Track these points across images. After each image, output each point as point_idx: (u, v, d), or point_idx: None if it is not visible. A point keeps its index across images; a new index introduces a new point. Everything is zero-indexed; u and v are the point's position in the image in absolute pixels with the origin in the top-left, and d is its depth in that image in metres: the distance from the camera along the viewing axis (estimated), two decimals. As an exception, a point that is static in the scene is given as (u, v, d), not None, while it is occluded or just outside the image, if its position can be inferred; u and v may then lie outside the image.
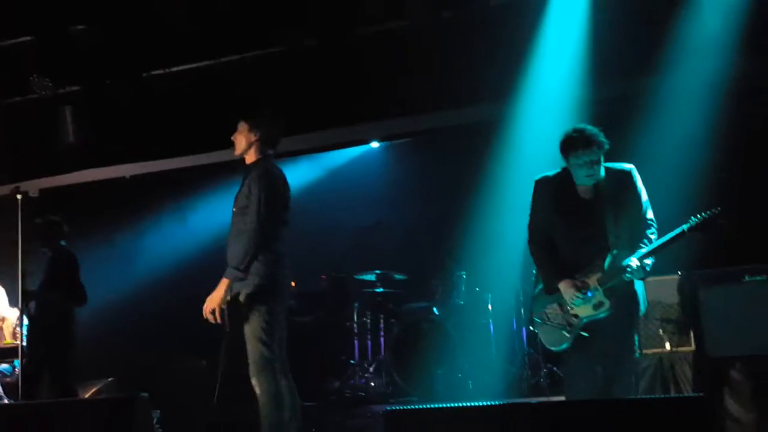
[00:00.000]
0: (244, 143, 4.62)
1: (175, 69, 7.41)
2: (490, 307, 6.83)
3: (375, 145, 8.43)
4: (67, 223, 7.05)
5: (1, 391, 6.90)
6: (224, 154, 7.64)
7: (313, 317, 7.90)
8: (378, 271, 7.44)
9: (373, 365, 7.21)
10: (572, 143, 4.07)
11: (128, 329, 8.40)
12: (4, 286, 7.34)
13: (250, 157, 4.64)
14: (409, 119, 7.37)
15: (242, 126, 4.62)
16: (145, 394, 3.83)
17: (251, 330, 4.45)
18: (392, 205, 8.19)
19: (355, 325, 7.55)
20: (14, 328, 7.09)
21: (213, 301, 4.41)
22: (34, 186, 7.59)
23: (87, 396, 6.96)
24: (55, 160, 7.84)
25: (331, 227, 8.17)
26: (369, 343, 7.48)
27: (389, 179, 8.44)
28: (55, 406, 4.36)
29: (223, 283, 4.41)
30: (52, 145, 7.63)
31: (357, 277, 7.61)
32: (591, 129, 4.08)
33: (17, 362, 6.77)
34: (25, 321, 6.47)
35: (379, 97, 6.98)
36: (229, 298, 4.44)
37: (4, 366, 6.96)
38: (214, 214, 8.72)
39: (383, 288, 7.48)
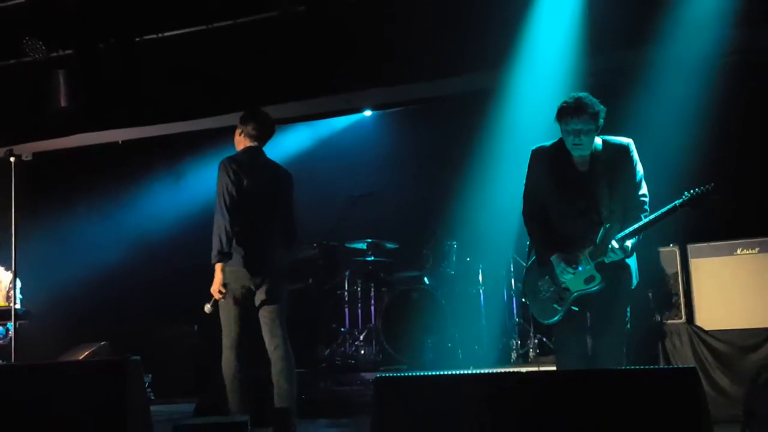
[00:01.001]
0: (236, 139, 5.04)
1: (168, 34, 7.35)
2: (480, 277, 6.87)
3: (368, 113, 8.40)
4: (60, 186, 7.06)
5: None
6: (216, 120, 7.65)
7: (303, 285, 7.93)
8: (369, 240, 7.46)
9: (364, 333, 7.26)
10: (564, 109, 4.03)
11: (121, 293, 8.43)
12: (1, 249, 7.34)
13: (238, 148, 5.01)
14: (402, 88, 7.34)
15: (238, 124, 5.03)
16: (137, 357, 3.86)
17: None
18: (385, 174, 8.18)
19: (345, 293, 7.59)
20: (8, 291, 7.11)
21: (213, 290, 4.79)
22: (27, 149, 7.55)
23: (80, 359, 7.00)
24: (48, 124, 7.79)
25: (323, 196, 8.16)
26: (359, 311, 7.53)
27: (382, 148, 8.43)
28: (48, 367, 4.40)
29: (216, 268, 4.74)
30: (45, 108, 7.58)
31: (348, 245, 7.63)
32: (587, 98, 4.04)
33: (10, 325, 6.81)
34: (19, 284, 6.48)
35: (372, 65, 6.95)
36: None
37: (-3, 328, 7.00)
38: (207, 180, 8.71)
39: (374, 257, 7.51)
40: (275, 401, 4.78)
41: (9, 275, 7.02)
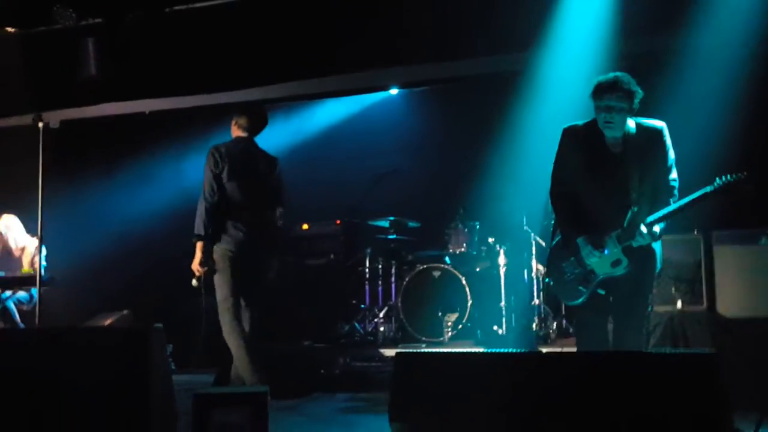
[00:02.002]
0: (232, 128, 5.52)
1: (198, 5, 7.35)
2: (502, 258, 6.85)
3: (394, 92, 8.37)
4: (87, 154, 7.10)
5: (18, 318, 7.04)
6: (243, 93, 7.65)
7: (325, 260, 7.97)
8: (392, 218, 7.46)
9: (384, 310, 7.29)
10: (599, 85, 4.01)
11: (144, 263, 8.50)
12: (23, 215, 7.42)
13: (232, 136, 5.48)
14: (429, 66, 7.30)
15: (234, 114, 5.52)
16: (161, 325, 3.89)
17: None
18: (409, 153, 8.17)
19: (366, 270, 7.61)
20: (32, 257, 7.21)
21: (194, 267, 5.17)
22: (55, 117, 7.60)
23: (104, 326, 7.09)
24: (77, 92, 7.83)
25: (348, 173, 8.18)
26: (380, 288, 7.55)
27: (408, 127, 8.41)
28: (73, 333, 4.46)
29: (197, 246, 5.16)
30: (73, 76, 7.62)
31: (371, 223, 7.65)
32: (625, 76, 4.00)
33: (35, 291, 6.90)
34: (44, 251, 6.55)
35: (400, 43, 6.90)
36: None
37: (22, 294, 7.09)
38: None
39: (396, 235, 7.52)
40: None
41: (35, 242, 7.11)
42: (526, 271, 6.81)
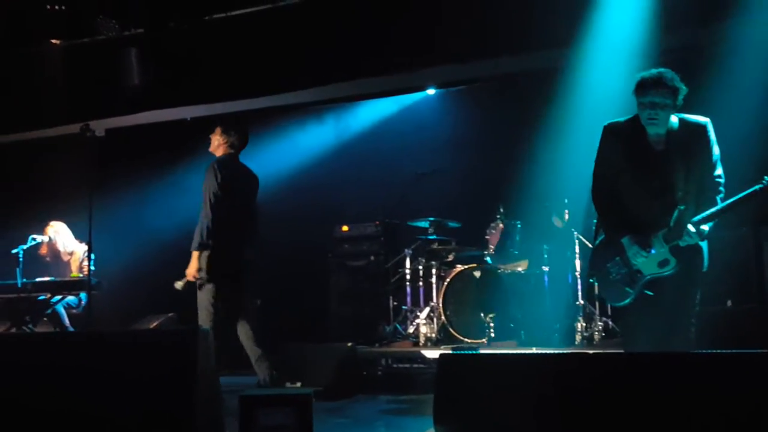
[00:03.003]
0: (215, 144, 5.73)
1: (235, 13, 7.44)
2: (545, 257, 6.79)
3: (431, 92, 8.35)
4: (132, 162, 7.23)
5: (68, 321, 7.20)
6: (282, 98, 7.73)
7: (365, 262, 7.99)
8: (432, 219, 7.45)
9: (425, 311, 7.28)
10: (643, 81, 3.93)
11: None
12: (71, 222, 7.59)
13: (219, 154, 5.70)
14: (466, 66, 7.28)
15: (217, 130, 5.73)
16: (207, 328, 3.94)
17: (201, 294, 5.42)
18: (448, 152, 8.14)
19: (407, 271, 7.61)
20: (81, 262, 7.37)
21: (190, 273, 5.38)
22: (100, 126, 7.75)
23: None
24: (120, 102, 7.99)
25: (387, 174, 8.18)
26: (421, 289, 7.54)
27: (445, 126, 8.38)
28: (122, 335, 4.55)
29: (194, 255, 5.38)
30: (117, 86, 7.77)
31: (410, 223, 7.64)
32: (668, 72, 3.92)
33: (83, 295, 7.05)
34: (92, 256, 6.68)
35: (436, 43, 6.90)
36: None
37: (71, 298, 7.25)
38: (274, 157, 8.82)
39: (436, 235, 7.50)
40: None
41: (83, 247, 7.27)
42: (569, 271, 6.74)
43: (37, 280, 6.96)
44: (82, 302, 7.23)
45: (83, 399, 3.65)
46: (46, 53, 8.26)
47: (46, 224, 7.56)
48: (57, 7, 7.46)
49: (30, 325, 6.88)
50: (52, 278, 7.20)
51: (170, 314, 7.62)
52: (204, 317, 5.41)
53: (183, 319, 7.59)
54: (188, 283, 5.45)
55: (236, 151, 5.71)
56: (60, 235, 7.58)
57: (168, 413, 3.60)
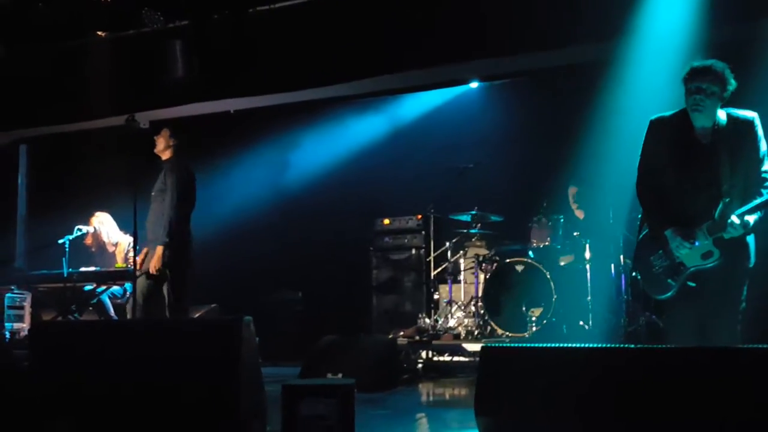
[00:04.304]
0: (163, 145, 6.01)
1: (280, 5, 7.47)
2: (587, 252, 6.72)
3: (474, 85, 8.30)
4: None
5: (112, 311, 7.32)
6: (325, 90, 7.74)
7: (407, 255, 8.00)
8: (474, 212, 7.41)
9: (466, 305, 7.25)
10: (692, 68, 3.93)
11: (230, 259, 8.69)
12: (117, 212, 7.70)
13: (166, 155, 6.00)
14: (509, 59, 7.22)
15: (164, 132, 6.03)
16: (250, 318, 3.97)
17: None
18: (491, 146, 8.10)
19: (449, 265, 7.60)
20: (126, 253, 7.48)
21: (156, 267, 5.75)
22: (144, 118, 7.86)
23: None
24: (165, 93, 8.08)
25: (429, 167, 8.17)
26: (463, 282, 7.52)
27: (488, 121, 8.33)
28: (168, 324, 4.62)
29: (160, 250, 5.74)
30: (161, 78, 7.86)
31: (453, 217, 7.61)
32: (718, 62, 3.92)
33: (128, 285, 7.16)
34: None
35: (481, 35, 6.85)
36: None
37: (116, 288, 7.36)
38: (315, 151, 8.87)
39: (479, 229, 7.47)
40: None
41: (127, 238, 7.38)
42: (612, 265, 6.66)
43: (82, 269, 7.09)
44: (127, 292, 7.34)
45: (130, 388, 3.71)
46: (93, 46, 8.40)
47: (92, 215, 7.68)
48: (103, 0, 7.56)
49: (76, 314, 7.00)
50: (98, 268, 7.32)
51: (212, 305, 7.71)
52: (162, 308, 5.72)
53: (224, 310, 7.69)
54: (148, 274, 5.82)
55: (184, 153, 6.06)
56: (105, 226, 7.70)
57: (212, 402, 3.64)
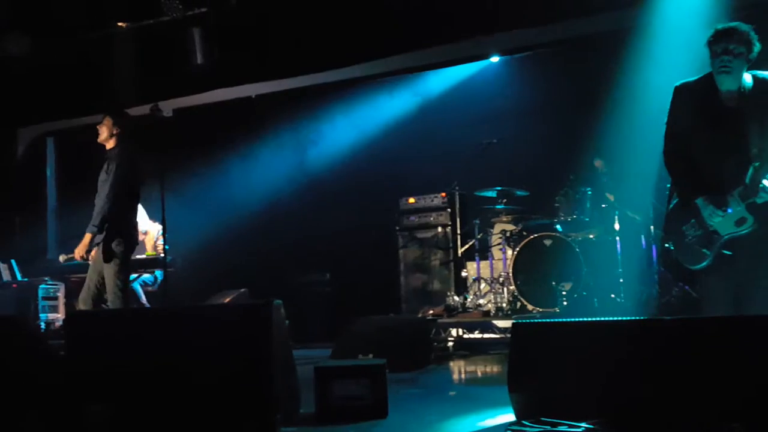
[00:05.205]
0: (106, 134, 5.85)
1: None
2: (617, 224, 6.65)
3: (495, 59, 8.21)
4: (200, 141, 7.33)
5: (144, 299, 7.40)
6: (347, 71, 7.72)
7: (433, 233, 7.98)
8: (499, 188, 7.36)
9: (495, 281, 7.23)
10: (717, 31, 3.86)
11: (257, 244, 8.75)
12: (146, 201, 7.75)
13: (110, 144, 5.85)
14: (530, 31, 7.13)
15: (107, 120, 5.86)
16: (280, 301, 3.99)
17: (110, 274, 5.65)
18: (514, 121, 8.02)
19: (476, 242, 7.57)
20: (155, 241, 7.54)
21: (78, 254, 5.71)
22: (167, 106, 7.89)
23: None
24: (186, 81, 8.11)
25: (452, 144, 8.12)
26: (491, 259, 7.49)
27: (511, 95, 8.24)
28: (199, 310, 4.65)
29: (86, 238, 5.66)
30: (182, 66, 7.88)
31: (478, 193, 7.57)
32: (743, 24, 3.86)
33: (158, 272, 7.23)
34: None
35: (498, 8, 6.77)
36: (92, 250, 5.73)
37: (147, 276, 7.44)
38: (337, 131, 8.86)
39: (504, 204, 7.42)
40: None
41: (156, 227, 7.44)
42: (643, 237, 6.59)
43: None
44: (158, 280, 7.42)
45: (164, 373, 3.75)
46: (115, 37, 8.44)
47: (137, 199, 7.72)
48: (122, -10, 7.60)
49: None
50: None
51: (242, 290, 7.76)
52: (119, 296, 5.65)
53: (254, 294, 7.74)
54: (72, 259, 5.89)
55: (130, 138, 5.92)
56: (134, 214, 7.75)
57: (245, 384, 3.67)
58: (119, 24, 8.31)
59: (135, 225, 5.91)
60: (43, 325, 7.28)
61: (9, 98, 8.67)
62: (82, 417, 3.73)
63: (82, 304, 5.65)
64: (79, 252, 5.74)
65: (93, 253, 5.75)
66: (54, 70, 8.55)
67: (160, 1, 7.57)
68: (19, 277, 7.47)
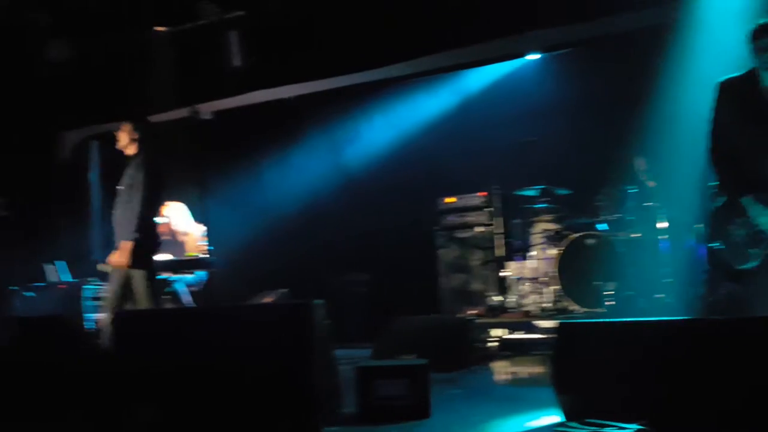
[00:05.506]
0: (126, 140, 5.81)
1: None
2: (661, 223, 6.53)
3: (534, 57, 8.13)
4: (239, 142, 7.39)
5: (187, 299, 7.46)
6: (383, 71, 7.71)
7: (473, 233, 7.93)
8: (540, 186, 7.28)
9: (536, 281, 7.15)
10: (759, 26, 3.82)
11: (298, 244, 8.77)
12: (188, 203, 7.84)
13: (131, 150, 5.80)
14: (569, 28, 7.05)
15: (126, 126, 5.82)
16: (321, 301, 4.00)
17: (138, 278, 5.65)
18: (554, 118, 7.92)
19: (517, 242, 7.50)
20: (197, 242, 7.61)
21: (121, 262, 5.57)
22: (207, 109, 7.97)
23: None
24: (224, 84, 8.18)
25: (491, 143, 8.05)
26: (531, 259, 7.40)
27: (550, 92, 8.14)
28: (242, 310, 4.69)
29: (128, 246, 5.55)
30: (220, 68, 7.96)
31: (518, 192, 7.50)
32: None
33: (200, 273, 7.30)
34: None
35: (536, 5, 6.71)
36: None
37: (189, 276, 7.49)
38: (376, 131, 8.86)
39: (546, 203, 7.34)
40: None
41: (198, 227, 7.50)
42: (689, 235, 6.46)
43: (155, 259, 7.24)
44: (200, 280, 7.47)
45: (211, 368, 3.78)
46: (153, 41, 8.55)
47: (163, 204, 7.83)
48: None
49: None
50: (172, 258, 7.47)
51: (283, 290, 7.80)
52: (143, 298, 5.64)
53: (295, 294, 7.77)
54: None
55: (151, 144, 5.90)
56: (176, 216, 7.84)
57: (289, 383, 3.69)
58: (158, 28, 8.42)
59: (157, 228, 5.96)
60: (89, 325, 7.38)
61: (53, 103, 8.84)
62: (127, 415, 3.78)
63: (109, 310, 5.58)
64: (118, 260, 5.64)
65: (114, 258, 5.70)
66: (95, 74, 8.70)
67: (198, 5, 7.64)
68: (66, 277, 7.59)
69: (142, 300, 5.60)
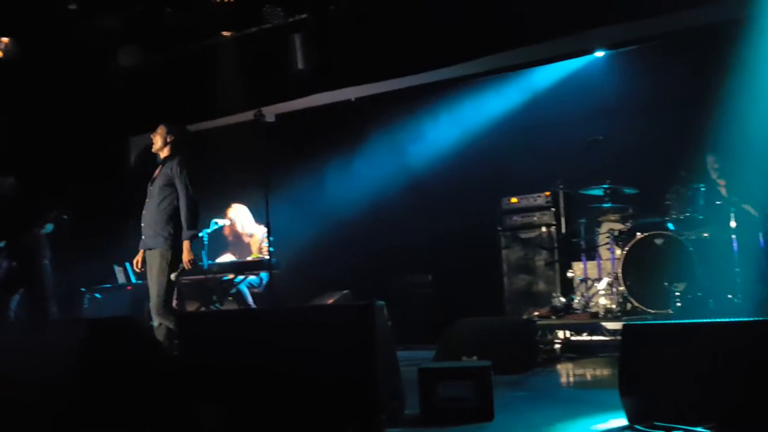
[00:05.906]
0: (160, 142, 5.89)
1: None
2: (733, 222, 6.32)
3: (600, 54, 7.98)
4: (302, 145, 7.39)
5: (251, 300, 7.58)
6: (447, 71, 7.68)
7: (537, 233, 7.83)
8: (606, 186, 7.12)
9: (604, 282, 7.01)
10: None
11: (359, 246, 8.80)
12: (252, 205, 7.96)
13: (165, 153, 5.89)
14: (637, 24, 6.90)
15: (161, 129, 5.90)
16: (383, 302, 4.00)
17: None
18: (620, 116, 7.77)
19: (582, 242, 7.37)
20: (260, 244, 7.72)
21: (187, 261, 5.64)
22: (270, 112, 8.07)
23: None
24: (288, 87, 8.27)
25: (555, 142, 7.94)
26: (598, 259, 7.27)
27: (616, 90, 7.98)
28: (305, 311, 4.73)
29: (186, 243, 5.63)
30: (284, 71, 8.05)
31: (584, 192, 7.36)
32: None
33: (263, 274, 7.40)
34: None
35: (604, 1, 6.58)
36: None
37: (253, 278, 7.61)
38: (439, 131, 8.83)
39: (612, 203, 7.18)
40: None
41: (261, 229, 7.61)
42: (761, 234, 6.24)
43: (218, 261, 7.37)
44: (263, 281, 7.58)
45: (274, 369, 3.82)
46: (219, 46, 8.70)
47: (228, 206, 7.97)
48: (226, 0, 7.80)
49: (217, 304, 7.29)
50: (235, 259, 7.59)
51: (345, 291, 7.84)
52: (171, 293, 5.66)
53: (356, 295, 7.80)
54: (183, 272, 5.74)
55: (186, 147, 5.96)
56: (240, 218, 7.97)
57: (352, 384, 3.70)
58: (224, 33, 8.57)
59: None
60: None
61: (121, 108, 9.08)
62: (194, 415, 3.84)
63: (155, 313, 5.59)
64: (188, 259, 5.67)
65: (140, 259, 5.78)
66: (163, 79, 8.90)
67: (263, 9, 7.74)
68: (133, 279, 7.78)
69: (152, 277, 5.60)
